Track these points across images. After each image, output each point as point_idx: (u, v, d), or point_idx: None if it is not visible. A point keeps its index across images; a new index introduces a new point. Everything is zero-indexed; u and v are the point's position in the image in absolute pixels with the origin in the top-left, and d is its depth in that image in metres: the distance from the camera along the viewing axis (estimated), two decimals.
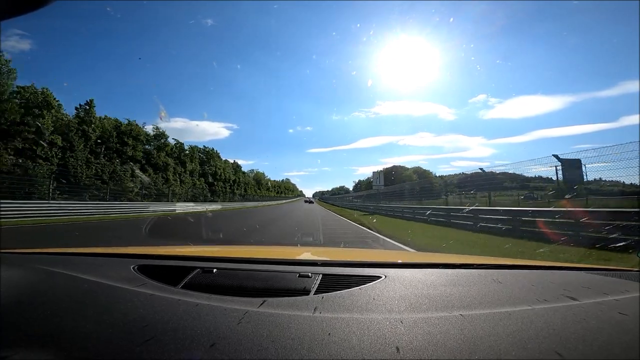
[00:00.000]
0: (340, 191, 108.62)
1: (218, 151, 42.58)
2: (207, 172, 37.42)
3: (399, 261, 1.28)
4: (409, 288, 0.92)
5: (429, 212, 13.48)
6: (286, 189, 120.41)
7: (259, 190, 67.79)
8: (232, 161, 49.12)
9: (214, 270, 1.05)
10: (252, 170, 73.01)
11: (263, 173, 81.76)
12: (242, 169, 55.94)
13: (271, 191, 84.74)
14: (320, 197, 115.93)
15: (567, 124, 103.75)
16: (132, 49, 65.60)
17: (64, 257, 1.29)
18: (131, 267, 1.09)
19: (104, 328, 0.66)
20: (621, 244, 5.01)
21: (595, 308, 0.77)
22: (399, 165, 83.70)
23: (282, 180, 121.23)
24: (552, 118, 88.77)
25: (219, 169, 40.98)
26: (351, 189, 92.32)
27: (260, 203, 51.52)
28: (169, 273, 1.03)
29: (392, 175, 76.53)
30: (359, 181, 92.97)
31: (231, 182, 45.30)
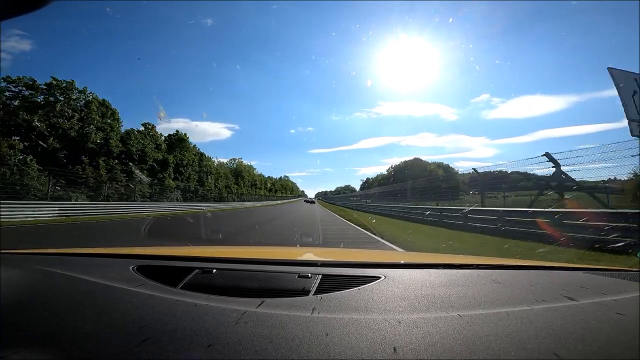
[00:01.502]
0: (346, 190, 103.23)
1: (110, 102, 23.81)
2: (36, 127, 18.35)
3: (399, 261, 1.32)
4: (408, 288, 0.96)
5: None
6: (283, 187, 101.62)
7: (237, 186, 48.60)
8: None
9: (214, 270, 1.09)
10: (234, 159, 54.01)
11: (250, 165, 62.34)
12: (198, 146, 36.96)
13: (260, 189, 65.52)
14: (323, 197, 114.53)
15: (570, 124, 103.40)
16: (133, 50, 64.72)
17: (63, 258, 1.33)
18: (130, 267, 1.13)
19: (102, 328, 0.69)
20: (620, 244, 5.08)
21: (593, 308, 0.81)
22: (419, 158, 73.13)
23: (279, 177, 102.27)
24: (556, 118, 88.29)
25: (106, 128, 21.94)
26: (358, 188, 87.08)
27: (223, 205, 34.20)
28: (169, 273, 1.07)
29: (413, 169, 59.95)
30: (367, 179, 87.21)
31: (154, 163, 26.26)
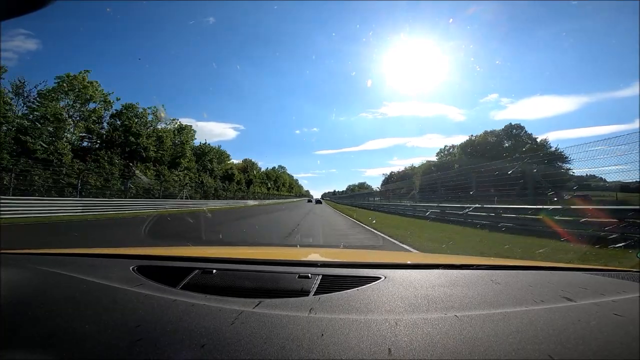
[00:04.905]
0: (360, 189, 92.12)
1: None
2: None
3: (399, 262, 1.34)
4: (408, 289, 0.97)
5: None
6: (273, 182, 68.74)
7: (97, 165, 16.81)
8: None
9: (214, 271, 1.10)
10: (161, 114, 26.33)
11: (189, 126, 31.07)
12: None
13: (189, 171, 33.18)
14: (332, 197, 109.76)
15: (581, 125, 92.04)
16: (133, 50, 59.55)
17: (63, 258, 1.36)
18: (130, 267, 1.15)
19: (101, 328, 0.71)
20: (620, 244, 4.83)
21: (592, 309, 0.81)
22: (521, 126, 50.36)
23: (272, 168, 70.80)
24: (566, 119, 78.90)
25: None
26: (379, 184, 73.42)
27: None
28: (169, 274, 1.09)
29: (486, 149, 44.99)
30: (391, 173, 76.49)
31: None
